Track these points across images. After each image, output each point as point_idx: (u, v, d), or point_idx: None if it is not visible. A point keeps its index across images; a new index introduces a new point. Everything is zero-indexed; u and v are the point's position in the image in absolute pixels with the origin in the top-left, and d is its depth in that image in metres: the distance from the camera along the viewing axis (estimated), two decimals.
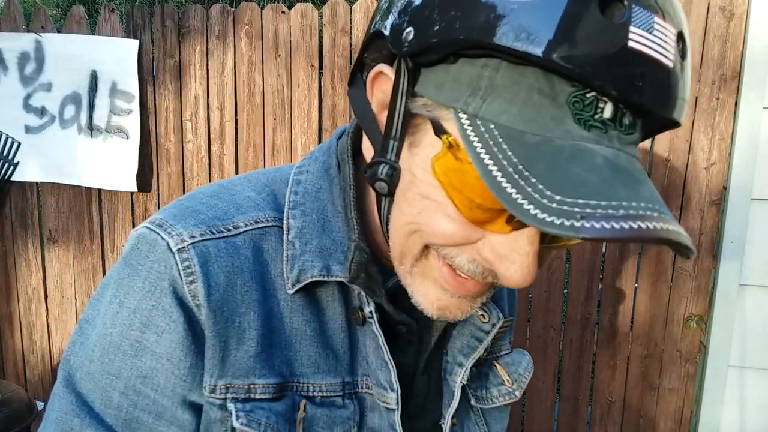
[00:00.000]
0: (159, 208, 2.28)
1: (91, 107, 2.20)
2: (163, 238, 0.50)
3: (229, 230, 0.52)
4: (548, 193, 0.37)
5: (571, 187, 0.37)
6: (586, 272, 2.00)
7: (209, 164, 2.22)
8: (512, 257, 0.43)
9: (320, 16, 2.06)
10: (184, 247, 0.49)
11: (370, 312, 0.53)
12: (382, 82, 0.48)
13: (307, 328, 0.54)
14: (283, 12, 2.08)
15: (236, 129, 2.18)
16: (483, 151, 0.39)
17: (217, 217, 0.52)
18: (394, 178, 0.47)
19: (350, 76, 0.54)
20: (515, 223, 0.43)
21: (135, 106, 2.18)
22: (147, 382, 0.50)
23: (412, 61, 0.43)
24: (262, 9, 2.10)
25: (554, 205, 0.36)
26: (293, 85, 2.11)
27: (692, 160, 1.87)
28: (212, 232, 0.51)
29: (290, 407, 0.53)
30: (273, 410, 0.51)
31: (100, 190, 2.24)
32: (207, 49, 2.16)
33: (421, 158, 0.45)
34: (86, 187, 2.23)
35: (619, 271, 1.97)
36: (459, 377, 0.61)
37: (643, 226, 0.36)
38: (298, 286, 0.52)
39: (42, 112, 2.22)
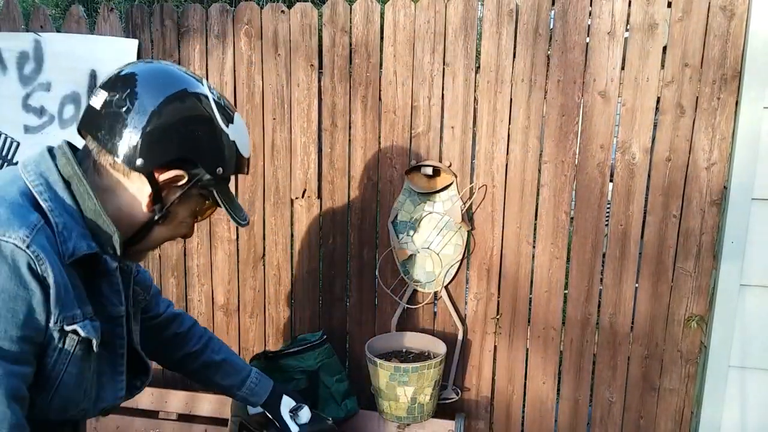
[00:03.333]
0: None
1: None
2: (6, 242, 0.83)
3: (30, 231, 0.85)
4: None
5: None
6: (586, 272, 1.99)
7: None
8: None
9: (320, 15, 2.06)
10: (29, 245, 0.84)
11: (115, 268, 0.99)
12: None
13: (79, 283, 0.91)
14: (282, 11, 2.08)
15: None
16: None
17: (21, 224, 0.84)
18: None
19: None
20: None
21: None
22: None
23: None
24: (261, 8, 2.10)
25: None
26: (293, 84, 2.10)
27: (693, 159, 1.87)
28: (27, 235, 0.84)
29: (93, 325, 0.93)
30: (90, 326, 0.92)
31: None
32: (206, 48, 2.15)
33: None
34: None
35: (620, 271, 1.97)
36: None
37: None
38: (72, 259, 0.88)
39: (41, 111, 2.21)
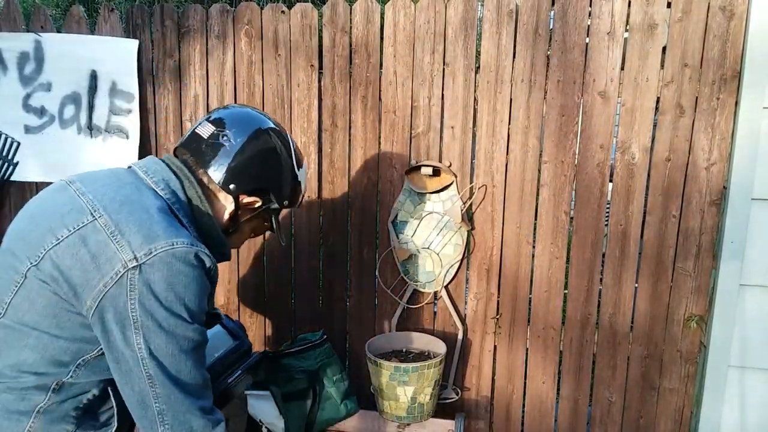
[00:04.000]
0: None
1: (91, 107, 2.19)
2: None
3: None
4: None
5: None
6: (586, 272, 2.00)
7: None
8: None
9: (320, 15, 2.06)
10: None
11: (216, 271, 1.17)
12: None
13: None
14: (282, 12, 2.08)
15: None
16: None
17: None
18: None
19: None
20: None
21: (134, 106, 2.18)
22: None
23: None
24: (261, 9, 2.10)
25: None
26: (293, 84, 2.11)
27: (692, 160, 1.87)
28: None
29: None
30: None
31: None
32: (207, 48, 2.16)
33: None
34: None
35: (619, 271, 1.97)
36: None
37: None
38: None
39: (41, 111, 2.21)
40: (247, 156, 1.18)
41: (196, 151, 1.18)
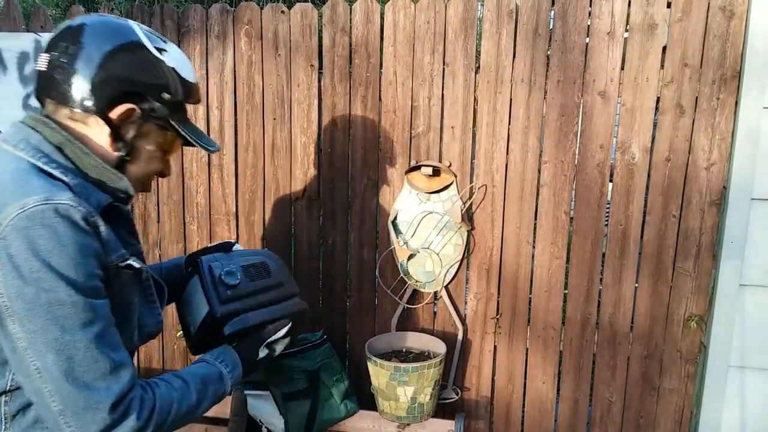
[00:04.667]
0: (158, 207, 2.28)
1: None
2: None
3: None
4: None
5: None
6: (586, 272, 2.00)
7: (209, 164, 2.22)
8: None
9: (320, 15, 2.06)
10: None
11: (128, 211, 1.10)
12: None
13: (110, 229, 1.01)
14: (282, 12, 2.08)
15: (236, 129, 2.18)
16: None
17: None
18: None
19: None
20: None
21: None
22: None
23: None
24: (261, 9, 2.10)
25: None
26: (293, 84, 2.11)
27: (692, 159, 1.87)
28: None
29: (138, 260, 1.06)
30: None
31: None
32: (206, 48, 2.16)
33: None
34: None
35: (619, 271, 1.97)
36: None
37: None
38: (98, 210, 0.98)
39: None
40: (90, 61, 1.00)
41: (47, 91, 1.03)
